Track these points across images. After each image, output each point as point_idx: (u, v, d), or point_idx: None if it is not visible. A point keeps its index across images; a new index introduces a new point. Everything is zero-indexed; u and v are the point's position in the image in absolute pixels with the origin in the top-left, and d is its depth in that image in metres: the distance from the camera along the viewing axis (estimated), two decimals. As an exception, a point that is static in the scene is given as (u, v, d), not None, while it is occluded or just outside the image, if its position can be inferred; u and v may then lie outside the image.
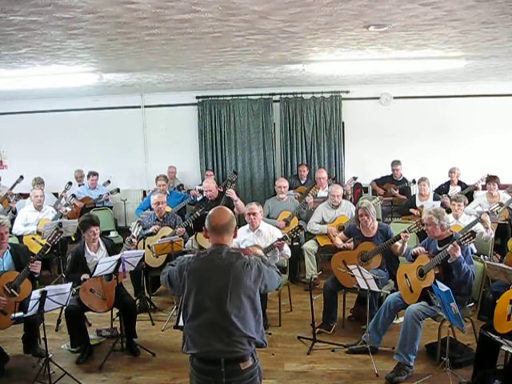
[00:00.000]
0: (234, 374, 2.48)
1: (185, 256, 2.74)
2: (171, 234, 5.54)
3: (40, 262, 4.17)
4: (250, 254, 2.74)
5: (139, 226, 5.13)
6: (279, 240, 4.79)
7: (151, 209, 6.13)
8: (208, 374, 2.51)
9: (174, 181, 8.28)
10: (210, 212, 2.68)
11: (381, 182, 7.92)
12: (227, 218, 2.63)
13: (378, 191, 7.75)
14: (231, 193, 6.14)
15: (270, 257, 4.72)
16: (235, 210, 6.04)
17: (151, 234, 5.54)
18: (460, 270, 3.88)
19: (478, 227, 5.35)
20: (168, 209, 6.26)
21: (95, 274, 4.19)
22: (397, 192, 7.47)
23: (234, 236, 2.71)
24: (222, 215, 2.64)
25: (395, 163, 7.78)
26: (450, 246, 3.87)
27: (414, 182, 7.38)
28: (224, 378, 2.46)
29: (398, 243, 4.70)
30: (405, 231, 4.58)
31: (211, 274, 2.54)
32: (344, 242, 5.22)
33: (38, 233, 6.08)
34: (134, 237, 4.88)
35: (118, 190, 7.96)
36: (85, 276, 4.33)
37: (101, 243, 4.67)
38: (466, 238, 3.86)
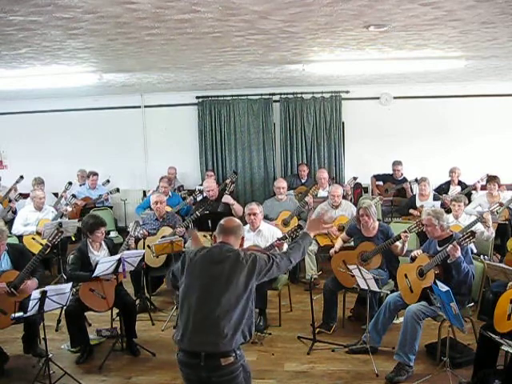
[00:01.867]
0: (213, 368, 2.50)
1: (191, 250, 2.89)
2: (171, 234, 5.54)
3: (30, 282, 4.09)
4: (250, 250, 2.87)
5: (137, 226, 5.14)
6: (279, 240, 4.79)
7: (151, 208, 6.14)
8: (189, 367, 2.55)
9: (174, 182, 8.29)
10: (221, 221, 2.93)
11: (381, 178, 7.98)
12: (236, 223, 2.91)
13: (374, 188, 7.90)
14: (227, 198, 6.22)
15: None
16: (233, 213, 6.06)
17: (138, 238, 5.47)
18: (460, 270, 3.88)
19: (478, 227, 5.35)
20: (168, 209, 6.27)
21: (95, 273, 4.18)
22: (408, 189, 7.53)
23: (241, 245, 2.87)
24: (231, 220, 2.93)
25: (396, 163, 7.81)
26: (450, 246, 3.87)
27: (416, 181, 7.37)
28: (203, 373, 2.49)
29: (398, 243, 4.69)
30: (405, 231, 4.58)
31: (205, 266, 2.65)
32: (345, 242, 5.22)
33: (38, 233, 6.08)
34: (132, 236, 4.91)
35: (118, 190, 7.97)
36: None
37: (103, 243, 4.68)
38: (465, 238, 3.86)
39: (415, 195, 7.01)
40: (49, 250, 4.38)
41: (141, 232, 5.37)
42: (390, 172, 7.92)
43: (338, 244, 5.23)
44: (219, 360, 2.49)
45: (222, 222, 2.90)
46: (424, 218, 4.28)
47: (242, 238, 2.90)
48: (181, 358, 2.60)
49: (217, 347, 2.49)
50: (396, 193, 7.60)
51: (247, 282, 2.63)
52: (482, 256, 5.02)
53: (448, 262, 3.91)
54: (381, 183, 8.04)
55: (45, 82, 6.41)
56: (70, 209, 6.69)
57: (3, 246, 4.20)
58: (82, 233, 4.68)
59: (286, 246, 4.88)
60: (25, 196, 7.48)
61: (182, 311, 2.64)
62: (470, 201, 6.66)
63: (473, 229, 4.95)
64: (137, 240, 5.35)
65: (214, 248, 2.78)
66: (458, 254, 3.84)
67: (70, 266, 4.47)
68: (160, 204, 5.81)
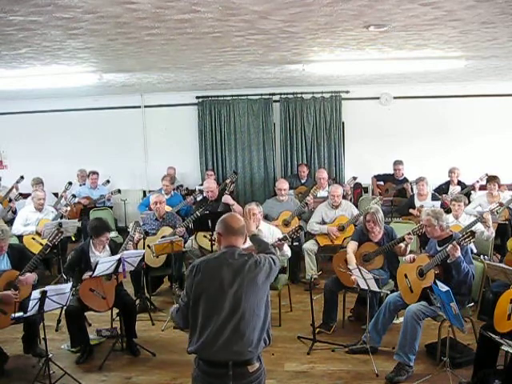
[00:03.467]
0: (241, 376, 2.46)
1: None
2: (171, 234, 5.54)
3: (30, 274, 4.11)
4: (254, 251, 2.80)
5: (137, 226, 5.14)
6: (279, 240, 4.78)
7: (151, 208, 6.14)
8: (215, 376, 2.48)
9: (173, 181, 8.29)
10: (223, 217, 2.75)
11: (382, 178, 8.00)
12: (243, 222, 2.76)
13: (375, 188, 7.90)
14: (227, 199, 6.22)
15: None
16: None
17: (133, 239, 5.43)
18: (460, 270, 3.88)
19: (478, 227, 5.35)
20: (168, 208, 6.27)
21: (95, 273, 4.18)
22: (409, 189, 7.53)
23: (245, 242, 2.78)
24: (237, 219, 2.75)
25: (397, 163, 7.82)
26: (450, 245, 3.86)
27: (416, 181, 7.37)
28: (231, 381, 2.44)
29: (401, 244, 4.69)
30: (409, 233, 4.58)
31: (224, 274, 2.53)
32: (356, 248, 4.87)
33: (38, 233, 6.08)
34: (132, 237, 4.91)
35: (119, 191, 7.99)
36: (86, 275, 4.29)
37: (106, 245, 4.67)
38: (465, 238, 3.86)
39: (414, 195, 7.02)
40: (49, 249, 4.39)
41: (139, 231, 5.36)
42: (391, 172, 7.93)
43: (351, 255, 4.77)
44: (246, 368, 2.46)
45: (228, 221, 2.69)
46: (423, 219, 4.27)
47: (246, 235, 2.83)
48: (204, 368, 2.50)
49: (243, 355, 2.46)
50: (396, 193, 7.60)
51: (266, 285, 2.59)
52: (482, 256, 5.02)
53: (448, 261, 3.91)
54: (381, 183, 8.05)
55: (45, 82, 6.41)
56: (68, 209, 6.68)
57: (5, 246, 4.19)
58: (84, 233, 4.70)
59: (286, 247, 4.89)
60: (25, 196, 7.49)
61: (204, 322, 2.51)
62: (469, 201, 6.67)
63: (473, 229, 4.95)
64: (136, 241, 5.35)
65: (228, 254, 2.61)
66: (458, 253, 3.84)
67: (66, 263, 4.60)
68: (159, 204, 5.80)
